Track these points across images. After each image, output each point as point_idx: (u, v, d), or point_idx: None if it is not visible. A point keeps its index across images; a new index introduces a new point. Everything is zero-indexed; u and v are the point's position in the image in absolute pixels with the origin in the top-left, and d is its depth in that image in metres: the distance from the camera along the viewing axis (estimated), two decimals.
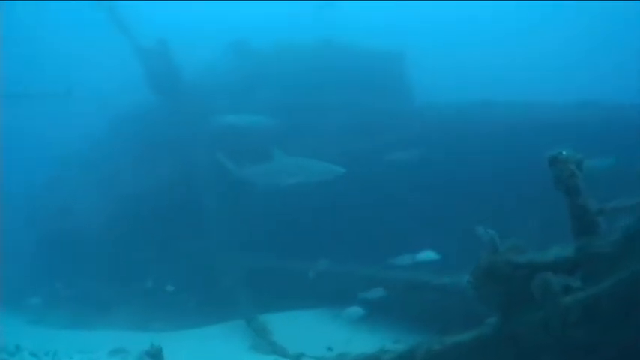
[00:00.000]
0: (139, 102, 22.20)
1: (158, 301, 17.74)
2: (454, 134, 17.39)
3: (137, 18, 23.11)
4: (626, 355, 6.31)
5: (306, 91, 19.98)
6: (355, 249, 15.91)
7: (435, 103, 20.27)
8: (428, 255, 13.70)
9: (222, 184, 18.42)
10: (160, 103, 20.90)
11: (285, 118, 18.54)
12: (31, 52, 36.96)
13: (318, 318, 14.83)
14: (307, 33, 23.21)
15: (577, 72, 35.73)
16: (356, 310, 13.43)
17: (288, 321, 13.89)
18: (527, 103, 18.38)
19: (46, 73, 32.96)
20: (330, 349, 12.87)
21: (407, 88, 21.94)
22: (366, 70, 21.07)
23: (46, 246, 23.05)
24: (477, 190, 16.18)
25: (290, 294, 15.36)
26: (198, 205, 18.42)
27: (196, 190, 18.76)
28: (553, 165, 6.85)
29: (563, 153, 6.84)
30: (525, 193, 14.95)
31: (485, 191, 15.96)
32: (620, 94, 18.18)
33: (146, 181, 19.89)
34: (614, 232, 6.57)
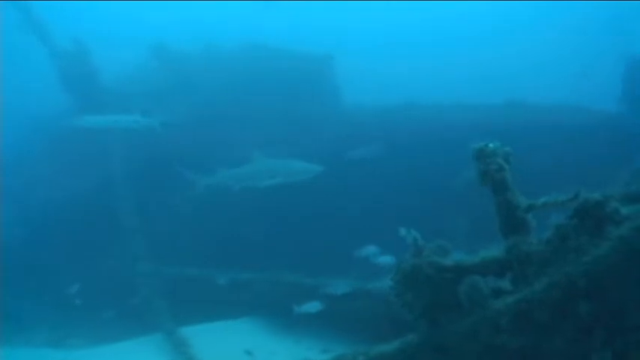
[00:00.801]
0: (53, 105, 20.82)
1: (75, 315, 16.45)
2: (379, 135, 16.83)
3: (62, 20, 21.83)
4: None
5: (233, 95, 19.04)
6: (284, 256, 15.08)
7: (362, 105, 19.63)
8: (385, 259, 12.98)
9: (138, 192, 17.35)
10: (72, 106, 19.53)
11: (205, 122, 17.58)
12: None
13: (240, 329, 13.90)
14: (237, 35, 22.40)
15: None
16: (314, 305, 12.45)
17: (209, 333, 13.10)
18: (454, 105, 18.05)
19: None
20: (248, 352, 12.08)
21: (335, 91, 21.23)
22: (293, 73, 20.32)
23: None
24: (403, 191, 15.77)
25: (211, 305, 14.37)
26: (115, 215, 17.28)
27: (113, 198, 17.57)
28: (479, 158, 6.21)
29: (490, 145, 6.20)
30: (450, 193, 14.60)
31: (409, 192, 15.55)
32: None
33: (60, 190, 18.55)
34: (546, 230, 5.98)
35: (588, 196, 5.51)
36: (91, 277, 16.62)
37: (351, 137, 17.71)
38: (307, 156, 16.81)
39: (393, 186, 16.20)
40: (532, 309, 5.89)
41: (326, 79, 21.17)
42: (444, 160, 14.87)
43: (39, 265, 17.99)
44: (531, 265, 6.07)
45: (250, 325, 14.01)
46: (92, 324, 15.94)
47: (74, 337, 16.09)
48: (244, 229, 16.63)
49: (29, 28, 20.91)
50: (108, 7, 40.09)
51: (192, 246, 16.49)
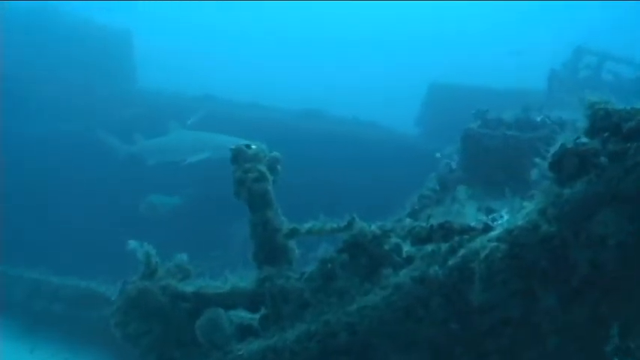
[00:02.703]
0: None
1: None
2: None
3: None
4: None
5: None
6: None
7: (157, 90, 17.57)
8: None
9: None
10: None
11: None
12: None
13: None
14: None
15: None
16: None
17: None
18: (249, 104, 16.73)
19: None
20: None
21: (130, 70, 18.86)
22: (85, 45, 17.65)
23: None
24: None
25: None
26: None
27: None
28: (235, 162, 4.60)
29: (253, 147, 4.61)
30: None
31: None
32: None
33: None
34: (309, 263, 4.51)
35: (364, 227, 4.10)
36: None
37: (138, 120, 15.56)
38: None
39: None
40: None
41: (121, 56, 18.69)
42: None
43: None
44: (287, 305, 4.55)
45: None
46: None
47: None
48: None
49: None
50: None
51: None
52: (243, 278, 4.97)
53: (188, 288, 5.02)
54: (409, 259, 4.03)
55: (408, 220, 6.76)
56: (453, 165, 8.27)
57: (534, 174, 7.19)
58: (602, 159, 3.57)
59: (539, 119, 8.23)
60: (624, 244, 3.37)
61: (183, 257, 5.20)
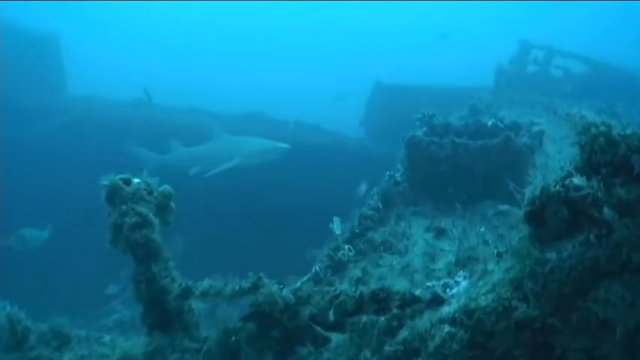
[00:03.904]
0: None
1: None
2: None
3: None
4: None
5: None
6: None
7: (91, 97, 16.20)
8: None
9: None
10: None
11: None
12: None
13: None
14: None
15: None
16: None
17: None
18: (186, 109, 15.49)
19: None
20: None
21: (59, 76, 17.37)
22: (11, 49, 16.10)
23: None
24: None
25: None
26: None
27: None
28: (111, 201, 3.44)
29: (135, 181, 3.46)
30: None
31: None
32: None
33: None
34: None
35: (273, 292, 3.01)
36: None
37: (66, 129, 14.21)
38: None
39: None
40: None
41: (49, 62, 17.18)
42: None
43: None
44: None
45: None
46: None
47: None
48: None
49: None
50: None
51: None
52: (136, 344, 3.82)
53: (66, 358, 3.86)
54: (336, 330, 2.94)
55: (343, 251, 5.78)
56: (398, 177, 7.23)
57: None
58: (607, 211, 2.37)
59: (490, 124, 7.27)
60: (636, 333, 2.28)
61: (61, 320, 4.04)
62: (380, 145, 14.27)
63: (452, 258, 5.79)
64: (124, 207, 3.38)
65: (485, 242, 6.19)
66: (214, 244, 12.52)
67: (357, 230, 6.17)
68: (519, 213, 6.20)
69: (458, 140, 6.63)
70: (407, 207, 6.87)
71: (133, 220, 3.36)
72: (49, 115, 15.23)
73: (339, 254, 5.77)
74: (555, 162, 8.87)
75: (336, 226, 6.37)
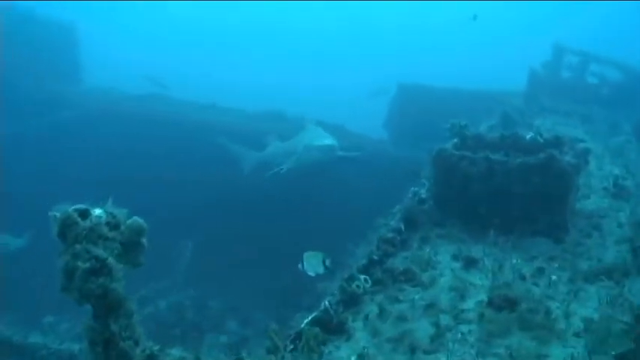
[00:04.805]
0: None
1: None
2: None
3: None
4: None
5: None
6: None
7: (103, 89, 15.56)
8: None
9: None
10: None
11: None
12: None
13: None
14: None
15: None
16: None
17: None
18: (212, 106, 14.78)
19: None
20: None
21: (75, 67, 16.73)
22: (31, 39, 15.52)
23: None
24: None
25: None
26: None
27: None
28: (62, 239, 2.64)
29: (95, 212, 2.67)
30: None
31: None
32: None
33: None
34: None
35: None
36: None
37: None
38: None
39: None
40: None
41: (65, 52, 16.53)
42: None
43: None
44: None
45: None
46: None
47: None
48: None
49: None
50: None
51: None
52: None
53: None
54: None
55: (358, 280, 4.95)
56: (423, 194, 6.37)
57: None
58: None
59: (528, 137, 6.39)
60: None
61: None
62: (404, 148, 13.46)
63: (484, 296, 4.98)
64: (77, 247, 2.60)
65: (522, 277, 5.38)
66: (224, 252, 11.78)
67: (375, 257, 5.34)
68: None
69: (494, 157, 5.75)
70: (432, 228, 6.04)
71: (87, 265, 2.58)
72: (60, 108, 14.59)
73: (354, 285, 4.97)
74: (597, 181, 8.03)
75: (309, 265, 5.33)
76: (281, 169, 11.42)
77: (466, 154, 5.92)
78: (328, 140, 11.11)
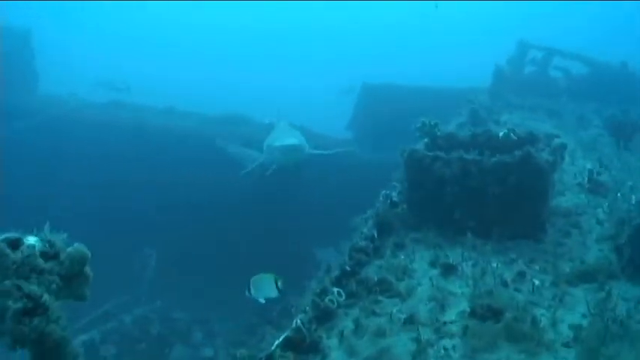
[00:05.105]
0: None
1: None
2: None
3: None
4: None
5: None
6: None
7: (58, 96, 14.95)
8: None
9: None
10: None
11: None
12: None
13: None
14: None
15: None
16: None
17: None
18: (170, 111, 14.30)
19: None
20: None
21: (30, 75, 16.03)
22: None
23: None
24: None
25: None
26: None
27: None
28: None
29: (28, 241, 2.28)
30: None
31: None
32: None
33: None
34: None
35: None
36: None
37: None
38: None
39: None
40: None
41: (20, 61, 15.83)
42: None
43: None
44: None
45: None
46: None
47: None
48: None
49: None
50: None
51: None
52: None
53: None
54: None
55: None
56: (395, 197, 6.06)
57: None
58: None
59: (501, 134, 6.13)
60: None
61: None
62: (368, 149, 13.22)
63: (465, 305, 4.68)
64: (7, 284, 2.22)
65: (504, 283, 5.09)
66: (191, 260, 11.35)
67: (347, 267, 5.01)
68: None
69: (468, 157, 5.46)
70: (407, 233, 5.75)
71: (19, 304, 2.19)
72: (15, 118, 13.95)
73: (327, 300, 4.63)
74: (570, 176, 7.82)
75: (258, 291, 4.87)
76: (247, 171, 11.04)
77: (440, 155, 5.63)
78: (291, 140, 10.41)
